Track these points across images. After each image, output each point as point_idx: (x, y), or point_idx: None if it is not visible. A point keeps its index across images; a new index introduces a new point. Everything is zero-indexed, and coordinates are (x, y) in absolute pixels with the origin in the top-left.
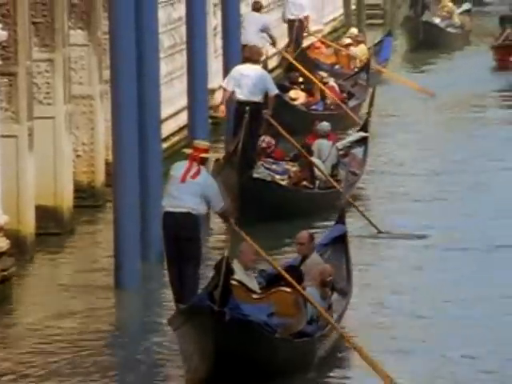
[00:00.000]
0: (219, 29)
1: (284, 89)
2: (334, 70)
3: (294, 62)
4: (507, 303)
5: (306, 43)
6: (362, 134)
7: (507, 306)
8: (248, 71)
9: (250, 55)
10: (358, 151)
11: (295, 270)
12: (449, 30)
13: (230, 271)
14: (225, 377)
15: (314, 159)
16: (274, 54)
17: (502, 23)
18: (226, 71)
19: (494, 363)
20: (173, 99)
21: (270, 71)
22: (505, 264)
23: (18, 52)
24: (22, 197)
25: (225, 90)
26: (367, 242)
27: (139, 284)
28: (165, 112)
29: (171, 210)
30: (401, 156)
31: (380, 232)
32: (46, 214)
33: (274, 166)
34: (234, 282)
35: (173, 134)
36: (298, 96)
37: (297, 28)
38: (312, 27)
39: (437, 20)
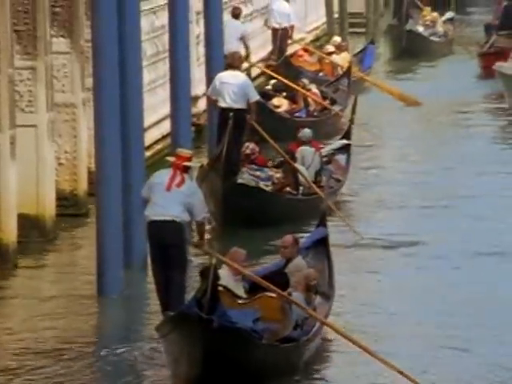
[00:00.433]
0: (202, 37)
1: (267, 96)
2: (318, 77)
3: (273, 74)
4: (491, 305)
5: (289, 51)
6: (345, 141)
7: (488, 308)
8: (230, 78)
9: (232, 61)
10: (340, 158)
11: (281, 276)
12: (432, 38)
13: (217, 278)
14: (212, 382)
15: (297, 165)
16: (251, 67)
17: (487, 31)
18: (209, 79)
19: (484, 359)
20: (156, 107)
21: (254, 79)
22: (487, 270)
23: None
24: (4, 205)
25: (208, 97)
26: (348, 247)
27: (122, 291)
28: (148, 120)
29: (155, 218)
30: (384, 164)
31: (361, 237)
32: (28, 223)
33: (257, 173)
34: (219, 288)
35: (156, 142)
36: (281, 103)
37: (281, 36)
38: (295, 35)
39: (420, 28)
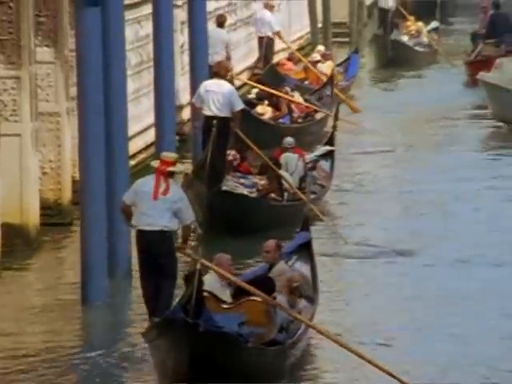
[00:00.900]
0: (186, 46)
1: (251, 105)
2: (303, 85)
3: (255, 84)
4: (476, 313)
5: (276, 59)
6: (328, 147)
7: (472, 315)
8: (215, 87)
9: (218, 70)
10: (324, 164)
11: (267, 281)
12: (417, 48)
13: (201, 283)
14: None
15: (282, 172)
16: (232, 78)
17: (473, 39)
18: (194, 88)
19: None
20: (140, 116)
21: (238, 88)
22: (473, 277)
23: None
24: None
25: (193, 105)
26: (332, 253)
27: (106, 300)
28: (132, 129)
29: (144, 228)
30: (368, 170)
31: (345, 242)
32: (12, 232)
33: (242, 180)
34: (204, 293)
35: (140, 151)
36: (264, 111)
37: (266, 44)
38: (279, 45)
39: (405, 38)
